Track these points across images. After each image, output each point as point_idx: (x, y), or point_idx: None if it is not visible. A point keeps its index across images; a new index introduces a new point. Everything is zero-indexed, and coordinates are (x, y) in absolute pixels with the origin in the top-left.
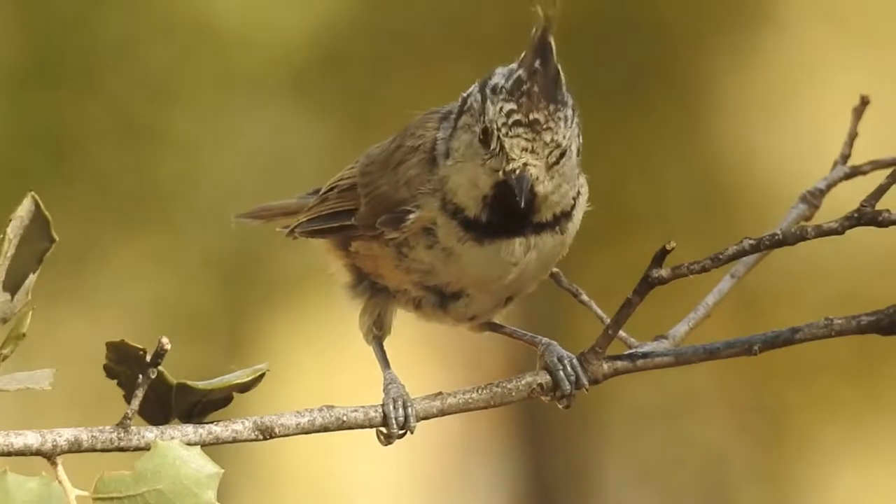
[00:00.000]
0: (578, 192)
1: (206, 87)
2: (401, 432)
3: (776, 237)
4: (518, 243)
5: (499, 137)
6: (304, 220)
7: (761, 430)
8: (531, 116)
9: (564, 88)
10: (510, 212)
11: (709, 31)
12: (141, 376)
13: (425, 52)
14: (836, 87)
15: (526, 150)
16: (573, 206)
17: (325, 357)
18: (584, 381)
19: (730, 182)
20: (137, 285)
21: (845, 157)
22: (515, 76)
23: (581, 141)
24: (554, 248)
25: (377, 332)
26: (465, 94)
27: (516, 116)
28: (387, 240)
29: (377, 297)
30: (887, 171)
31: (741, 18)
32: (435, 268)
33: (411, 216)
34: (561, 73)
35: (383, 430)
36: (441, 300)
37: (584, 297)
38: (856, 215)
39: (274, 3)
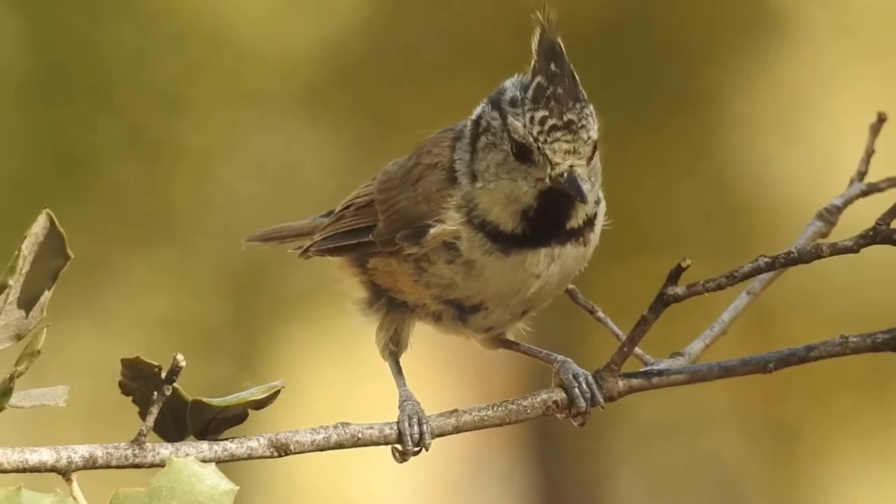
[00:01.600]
0: (599, 198)
1: (218, 101)
2: (416, 449)
3: (792, 255)
4: (543, 254)
5: (539, 147)
6: (320, 238)
7: (774, 446)
8: (565, 118)
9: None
10: (550, 220)
11: (722, 46)
12: (156, 393)
13: (436, 66)
14: (850, 103)
15: (568, 152)
16: (595, 214)
17: (339, 372)
18: (600, 398)
19: (743, 198)
20: (149, 300)
21: (862, 174)
22: (535, 83)
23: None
24: (576, 260)
25: (393, 347)
26: (475, 116)
27: (551, 122)
28: (406, 255)
29: (394, 312)
30: None
31: (755, 33)
32: (455, 282)
33: (432, 230)
34: (575, 72)
35: (398, 447)
36: (460, 313)
37: (601, 314)
38: (871, 233)
39: (285, 17)
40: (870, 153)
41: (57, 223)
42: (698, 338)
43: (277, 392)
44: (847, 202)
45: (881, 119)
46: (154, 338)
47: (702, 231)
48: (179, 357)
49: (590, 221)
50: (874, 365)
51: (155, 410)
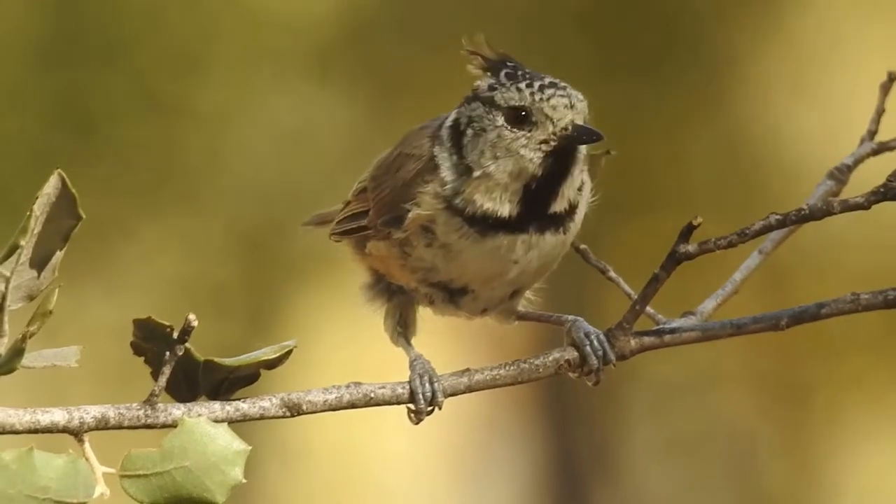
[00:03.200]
0: (582, 183)
1: (232, 61)
2: (429, 409)
3: (803, 212)
4: (520, 241)
5: (536, 107)
6: (335, 222)
7: (787, 405)
8: (548, 80)
9: None
10: (546, 193)
11: (734, 6)
12: (168, 353)
13: (451, 27)
14: (863, 62)
15: (567, 106)
16: (578, 201)
17: (352, 333)
18: (612, 356)
19: (755, 158)
20: (162, 261)
21: (872, 134)
22: (504, 72)
23: None
24: (555, 248)
25: (402, 330)
26: (451, 121)
27: (539, 83)
28: (393, 240)
29: (396, 297)
30: None
31: None
32: (436, 265)
33: (409, 214)
34: None
35: (412, 406)
36: (450, 296)
37: (612, 274)
38: (882, 190)
39: None
40: (880, 112)
41: (69, 184)
42: (710, 297)
43: (290, 352)
44: (858, 161)
45: (892, 78)
46: (166, 299)
47: (714, 190)
48: (191, 317)
49: (571, 209)
50: (887, 324)
51: (167, 371)
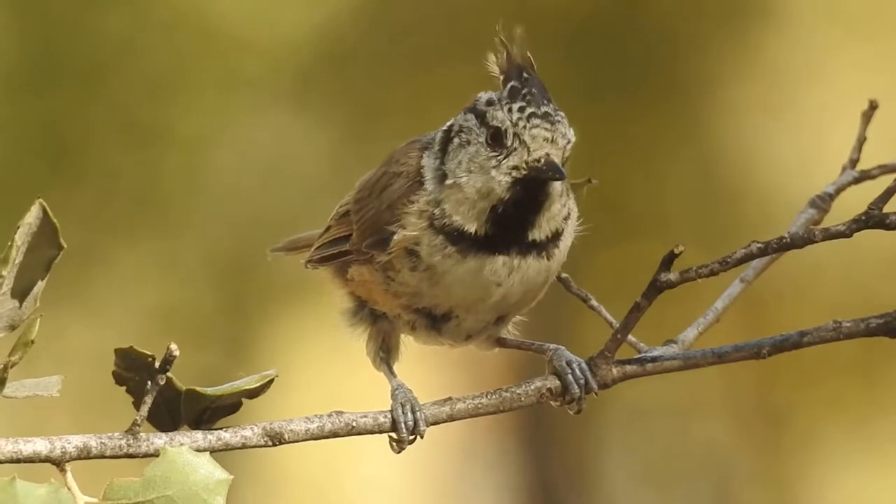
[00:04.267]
0: (569, 213)
1: (209, 88)
2: (412, 437)
3: (784, 240)
4: (502, 262)
5: (516, 133)
6: (315, 247)
7: (765, 431)
8: (542, 110)
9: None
10: (516, 220)
11: (711, 31)
12: (150, 383)
13: (429, 52)
14: (839, 89)
15: (546, 140)
16: (563, 230)
17: (331, 360)
18: (594, 385)
19: (732, 184)
20: (140, 289)
21: (854, 162)
22: (510, 86)
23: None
24: (539, 273)
25: (384, 355)
26: (447, 126)
27: (530, 109)
28: (376, 264)
29: (379, 322)
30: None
31: (744, 19)
32: (421, 290)
33: (395, 237)
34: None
35: (394, 435)
36: (433, 322)
37: (594, 303)
38: (863, 218)
39: (279, 4)
40: (861, 141)
41: (50, 213)
42: (692, 325)
43: (271, 381)
44: (839, 189)
45: (873, 107)
46: (145, 327)
47: (692, 217)
48: (173, 346)
49: (556, 236)
50: (864, 351)
51: (149, 400)
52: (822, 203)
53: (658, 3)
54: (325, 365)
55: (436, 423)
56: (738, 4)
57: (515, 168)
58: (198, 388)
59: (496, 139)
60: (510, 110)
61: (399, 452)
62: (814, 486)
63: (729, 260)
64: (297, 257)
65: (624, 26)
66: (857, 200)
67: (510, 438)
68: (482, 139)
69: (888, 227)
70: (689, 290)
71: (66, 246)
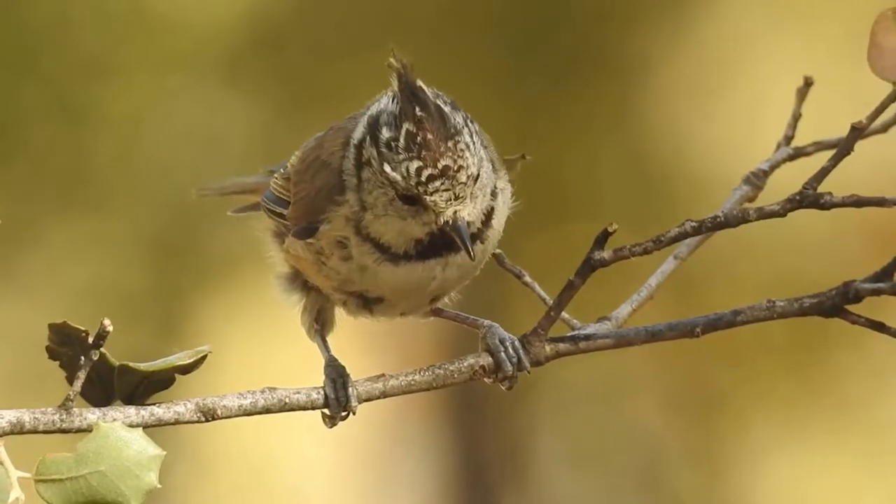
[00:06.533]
0: (497, 189)
1: (141, 67)
2: (343, 414)
3: (718, 219)
4: (435, 262)
5: (420, 197)
6: (270, 189)
7: (696, 413)
8: (440, 165)
9: (450, 111)
10: (441, 245)
11: (643, 11)
12: (83, 358)
13: (361, 37)
14: (772, 68)
15: (450, 199)
16: (493, 209)
17: (263, 337)
18: (526, 362)
19: (666, 164)
20: (72, 266)
21: (789, 139)
22: (405, 131)
23: (489, 144)
24: (475, 256)
25: (318, 327)
26: (357, 139)
27: (427, 171)
28: (308, 243)
29: (314, 294)
30: (830, 153)
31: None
32: (351, 278)
33: (321, 228)
34: (442, 104)
35: (327, 411)
36: (365, 303)
37: (528, 279)
38: (798, 198)
39: None
40: (797, 117)
41: None
42: (625, 302)
43: (204, 357)
44: (774, 166)
45: (808, 83)
46: (77, 304)
47: (625, 197)
48: (107, 322)
49: (487, 217)
50: (797, 332)
51: (82, 375)
52: (757, 180)
53: None
54: (258, 342)
55: (368, 399)
56: None
57: (427, 224)
58: (131, 364)
59: (406, 199)
60: (408, 171)
61: (331, 427)
62: (745, 468)
63: (663, 238)
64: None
65: (555, 6)
66: (790, 178)
67: (442, 417)
68: (390, 193)
69: (822, 207)
70: (621, 269)
71: (0, 221)
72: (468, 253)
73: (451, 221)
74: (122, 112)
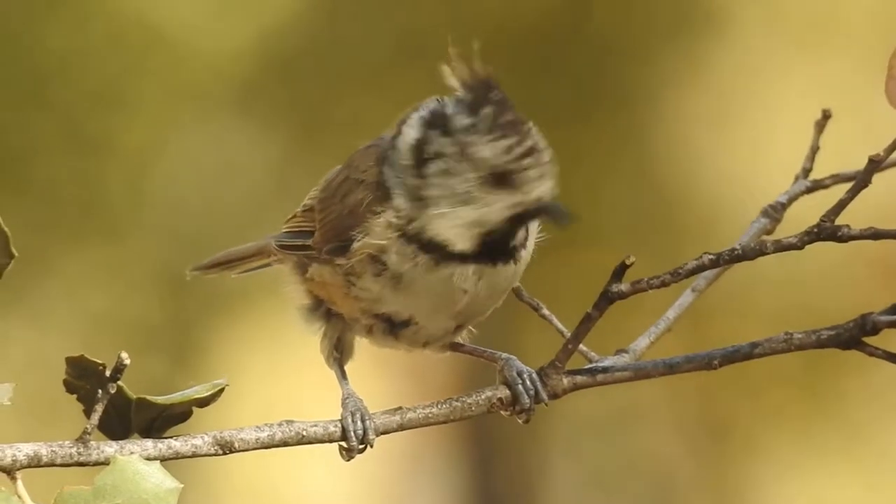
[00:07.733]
0: None
1: (154, 97)
2: (361, 447)
3: (736, 252)
4: (472, 270)
5: (512, 175)
6: (282, 230)
7: (709, 442)
8: (526, 144)
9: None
10: (504, 236)
11: (657, 41)
12: (101, 391)
13: (374, 65)
14: (782, 99)
15: (539, 177)
16: (529, 231)
17: (277, 367)
18: (544, 395)
19: (677, 193)
20: (86, 297)
21: (807, 171)
22: (485, 114)
23: None
24: (506, 278)
25: (338, 355)
26: (413, 140)
27: (519, 149)
28: (336, 266)
29: (335, 321)
30: (848, 185)
31: (690, 28)
32: (383, 296)
33: (355, 243)
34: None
35: (344, 444)
36: (391, 327)
37: (545, 312)
38: (815, 230)
39: (222, 14)
40: (815, 150)
41: (1, 222)
42: (643, 335)
43: (222, 390)
44: (792, 199)
45: (826, 116)
46: (91, 335)
47: (634, 225)
48: (124, 355)
49: (523, 240)
50: (808, 362)
51: (100, 408)
52: (775, 212)
53: (603, 13)
54: (272, 373)
55: (386, 432)
56: (683, 14)
57: (517, 204)
58: (148, 397)
59: (495, 180)
60: (499, 150)
61: (349, 461)
62: (758, 494)
63: (681, 271)
64: (218, 276)
65: (568, 36)
66: (805, 211)
67: (457, 447)
68: (471, 176)
69: (840, 240)
70: (636, 300)
71: (17, 254)
72: (566, 221)
73: (542, 198)
74: (136, 142)
